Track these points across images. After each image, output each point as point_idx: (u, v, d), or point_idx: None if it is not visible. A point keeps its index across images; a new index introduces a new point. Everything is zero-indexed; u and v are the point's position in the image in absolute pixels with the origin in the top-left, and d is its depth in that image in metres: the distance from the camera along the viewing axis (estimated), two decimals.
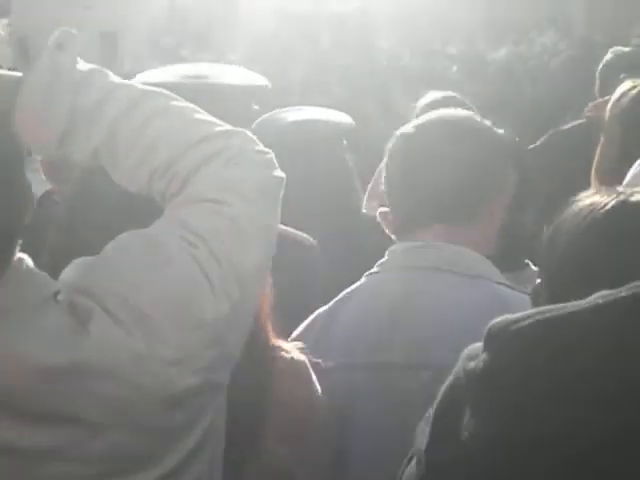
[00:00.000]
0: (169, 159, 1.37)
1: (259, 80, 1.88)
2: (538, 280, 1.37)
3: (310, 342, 1.86)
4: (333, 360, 1.82)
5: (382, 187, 2.04)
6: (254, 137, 1.43)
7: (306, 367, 1.75)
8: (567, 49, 10.19)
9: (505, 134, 2.07)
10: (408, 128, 2.03)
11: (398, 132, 2.05)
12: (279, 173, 1.42)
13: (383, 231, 2.75)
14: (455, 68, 11.49)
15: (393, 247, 1.96)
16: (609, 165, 2.51)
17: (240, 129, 1.43)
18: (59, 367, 1.22)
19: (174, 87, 1.49)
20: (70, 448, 1.24)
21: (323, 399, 1.77)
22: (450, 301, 1.82)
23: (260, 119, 2.72)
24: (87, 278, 1.30)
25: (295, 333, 1.92)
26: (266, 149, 1.42)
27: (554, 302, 1.01)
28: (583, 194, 1.36)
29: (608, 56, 4.33)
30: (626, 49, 4.51)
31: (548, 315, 0.98)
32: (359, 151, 2.99)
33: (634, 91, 2.66)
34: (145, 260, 1.31)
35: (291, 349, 1.78)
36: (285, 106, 2.86)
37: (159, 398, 1.28)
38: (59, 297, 1.28)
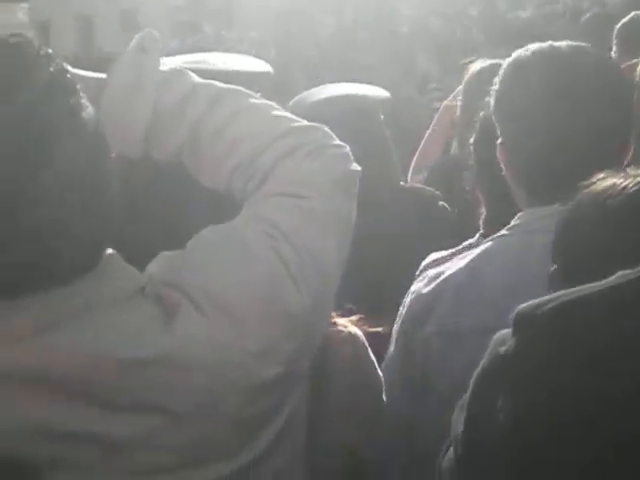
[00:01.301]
0: (251, 155, 1.41)
1: (262, 67, 1.90)
2: (554, 266, 1.34)
3: (447, 302, 1.83)
4: (477, 322, 1.76)
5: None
6: (331, 133, 1.46)
7: (363, 342, 1.78)
8: (590, 7, 10.11)
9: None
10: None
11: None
12: (355, 167, 1.46)
13: (425, 202, 2.77)
14: (474, 30, 11.41)
15: (527, 211, 1.83)
16: None
17: (317, 124, 1.46)
18: (146, 359, 1.25)
19: None
20: (155, 437, 1.28)
21: (379, 373, 1.81)
22: None
23: (297, 97, 2.75)
24: (174, 272, 1.34)
25: (424, 289, 1.88)
26: (342, 143, 1.46)
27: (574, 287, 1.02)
28: (595, 177, 1.33)
29: (627, 18, 4.27)
30: None
31: (571, 297, 1.01)
32: (388, 120, 3.01)
33: None
34: (229, 254, 1.35)
35: (346, 323, 1.80)
36: (309, 79, 2.88)
37: (244, 389, 1.32)
38: (146, 290, 1.31)
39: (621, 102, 1.79)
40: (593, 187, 1.32)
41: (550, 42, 1.84)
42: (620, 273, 1.00)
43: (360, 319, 1.84)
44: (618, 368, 0.95)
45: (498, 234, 1.87)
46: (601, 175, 1.34)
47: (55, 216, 1.18)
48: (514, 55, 1.85)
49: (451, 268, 1.88)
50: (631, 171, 1.32)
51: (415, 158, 3.57)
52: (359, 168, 1.46)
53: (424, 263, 2.11)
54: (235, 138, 1.42)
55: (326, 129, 1.47)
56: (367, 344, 1.79)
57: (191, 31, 13.61)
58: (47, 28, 19.73)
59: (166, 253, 1.38)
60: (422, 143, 3.65)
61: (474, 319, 1.79)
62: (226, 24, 15.84)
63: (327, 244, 1.40)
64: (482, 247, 1.87)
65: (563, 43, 1.84)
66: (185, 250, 1.37)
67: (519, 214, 1.85)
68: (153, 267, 1.36)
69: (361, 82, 3.04)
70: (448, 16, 12.39)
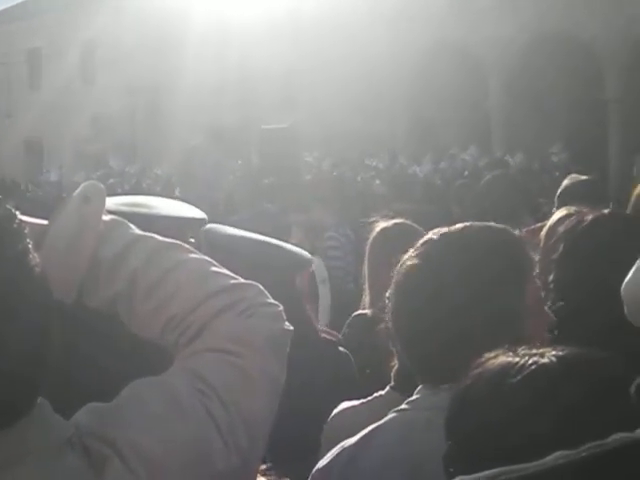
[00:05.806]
0: (185, 310, 1.42)
1: (197, 213, 1.92)
2: (448, 444, 1.34)
3: (335, 474, 1.86)
4: None
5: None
6: (265, 291, 1.48)
7: None
8: (486, 167, 10.50)
9: None
10: None
11: None
12: (287, 326, 1.47)
13: (337, 358, 2.77)
14: (378, 182, 11.68)
15: (423, 387, 1.86)
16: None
17: (253, 282, 1.49)
18: None
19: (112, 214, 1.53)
20: None
21: None
22: None
23: (208, 227, 2.70)
24: (103, 424, 1.31)
25: (321, 463, 1.91)
26: (276, 302, 1.48)
27: (470, 471, 1.02)
28: (487, 355, 1.35)
29: (565, 182, 4.38)
30: (582, 177, 4.58)
31: (510, 476, 0.99)
32: None
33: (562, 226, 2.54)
34: (161, 410, 1.33)
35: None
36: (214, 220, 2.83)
37: None
38: (72, 440, 1.28)
39: (520, 283, 1.80)
40: (486, 367, 1.33)
41: (457, 225, 1.86)
42: (559, 453, 1.02)
43: (267, 468, 1.82)
44: None
45: (399, 407, 1.89)
46: (492, 354, 1.35)
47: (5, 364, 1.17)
48: (422, 241, 1.84)
49: (350, 440, 1.90)
50: (521, 350, 1.34)
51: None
52: (291, 328, 1.47)
53: (335, 412, 2.12)
54: (170, 292, 1.43)
55: (261, 287, 1.48)
56: None
57: (96, 164, 13.66)
58: None
59: (95, 404, 1.35)
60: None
61: None
62: (130, 159, 15.92)
63: (257, 403, 1.40)
64: (382, 420, 1.91)
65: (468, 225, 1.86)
66: (115, 402, 1.35)
67: (418, 388, 1.87)
68: (81, 417, 1.33)
69: (266, 229, 3.00)
70: (351, 164, 12.68)
